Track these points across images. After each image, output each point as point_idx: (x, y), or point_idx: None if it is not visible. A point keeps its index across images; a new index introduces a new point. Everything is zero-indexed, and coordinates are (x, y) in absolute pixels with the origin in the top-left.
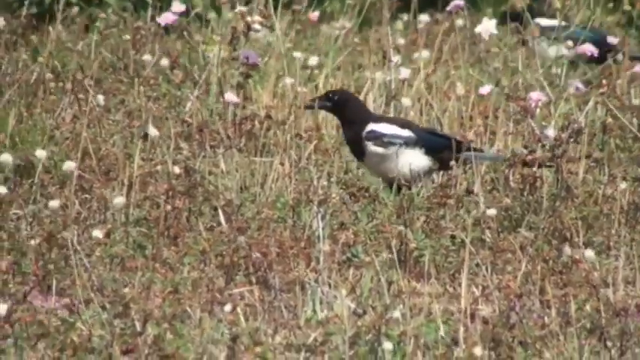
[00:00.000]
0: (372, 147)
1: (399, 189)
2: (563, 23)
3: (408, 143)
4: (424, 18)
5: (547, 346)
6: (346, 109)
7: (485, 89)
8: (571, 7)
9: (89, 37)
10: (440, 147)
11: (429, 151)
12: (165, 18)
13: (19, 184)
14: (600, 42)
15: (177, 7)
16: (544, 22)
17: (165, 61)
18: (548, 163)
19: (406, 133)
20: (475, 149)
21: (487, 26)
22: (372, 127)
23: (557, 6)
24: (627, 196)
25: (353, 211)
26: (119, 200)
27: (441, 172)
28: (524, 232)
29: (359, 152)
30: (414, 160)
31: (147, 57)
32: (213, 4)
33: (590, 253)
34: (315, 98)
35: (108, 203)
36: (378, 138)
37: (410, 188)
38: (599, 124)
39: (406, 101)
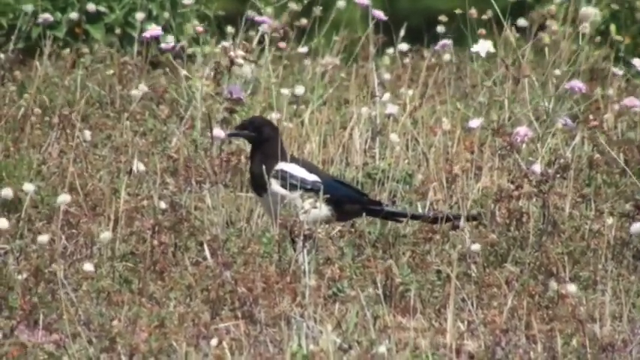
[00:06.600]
0: (275, 186)
1: (293, 241)
2: None
3: (312, 190)
4: (404, 46)
5: None
6: (266, 140)
7: (474, 123)
8: (557, 42)
9: (76, 72)
10: (344, 198)
11: (332, 201)
12: (150, 31)
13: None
14: None
15: (167, 42)
16: None
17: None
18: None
19: (313, 178)
20: (394, 211)
21: (484, 45)
22: (281, 166)
23: (546, 41)
24: (614, 232)
25: (339, 246)
26: (105, 235)
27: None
28: (510, 267)
29: (260, 187)
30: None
31: (134, 92)
32: (197, 39)
33: (574, 288)
34: (238, 126)
35: (94, 238)
36: (284, 178)
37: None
38: (585, 160)
39: (394, 137)
